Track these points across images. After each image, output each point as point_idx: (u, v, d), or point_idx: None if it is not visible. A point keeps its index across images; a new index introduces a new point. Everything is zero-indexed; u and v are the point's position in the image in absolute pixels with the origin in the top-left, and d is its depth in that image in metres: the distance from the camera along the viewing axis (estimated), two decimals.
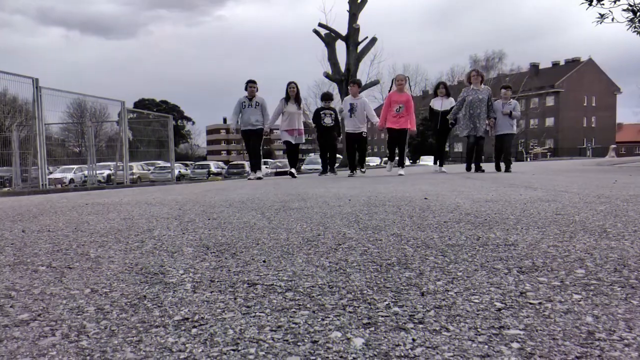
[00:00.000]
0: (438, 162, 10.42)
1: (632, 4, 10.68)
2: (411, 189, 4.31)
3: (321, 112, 9.87)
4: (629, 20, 10.98)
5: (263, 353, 0.71)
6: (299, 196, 3.79)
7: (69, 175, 16.97)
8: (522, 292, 0.98)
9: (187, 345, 0.74)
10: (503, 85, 9.63)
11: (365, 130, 9.05)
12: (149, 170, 21.10)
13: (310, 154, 41.13)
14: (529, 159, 42.53)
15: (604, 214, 2.19)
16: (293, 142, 9.21)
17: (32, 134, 9.34)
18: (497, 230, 1.79)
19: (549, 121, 61.04)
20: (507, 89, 9.36)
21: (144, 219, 2.48)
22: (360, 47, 23.72)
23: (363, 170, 9.52)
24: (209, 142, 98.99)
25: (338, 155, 12.28)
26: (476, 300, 0.93)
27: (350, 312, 0.88)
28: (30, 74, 9.49)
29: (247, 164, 10.11)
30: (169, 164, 14.60)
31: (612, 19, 11.10)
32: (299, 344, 0.74)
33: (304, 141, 9.74)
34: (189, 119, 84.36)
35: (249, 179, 9.16)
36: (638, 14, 10.71)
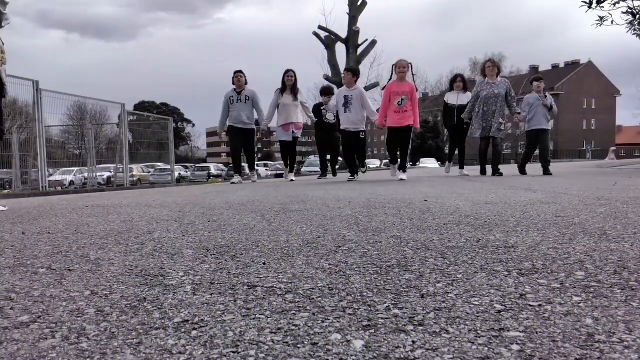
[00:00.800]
0: (446, 164, 9.32)
1: (632, 7, 10.70)
2: (411, 191, 4.31)
3: (322, 108, 8.83)
4: (628, 23, 11.00)
5: (263, 355, 0.71)
6: (299, 198, 3.79)
7: (69, 178, 16.97)
8: (522, 294, 0.98)
9: (187, 348, 0.74)
10: (534, 77, 8.32)
11: (364, 130, 7.56)
12: (149, 172, 21.10)
13: (311, 157, 40.76)
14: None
15: (604, 216, 2.19)
16: (290, 140, 8.09)
17: (33, 136, 9.35)
18: (497, 232, 1.79)
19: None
20: (540, 81, 8.07)
21: (144, 221, 2.48)
22: (360, 50, 23.75)
23: (363, 170, 8.30)
24: (209, 145, 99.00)
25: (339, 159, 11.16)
26: (476, 303, 0.93)
27: (350, 314, 0.88)
28: (31, 76, 9.50)
29: (246, 166, 9.12)
30: (169, 166, 14.61)
31: (612, 22, 11.12)
32: (299, 346, 0.74)
33: (299, 135, 8.44)
34: (189, 122, 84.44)
35: (232, 182, 7.90)
36: (638, 16, 10.73)
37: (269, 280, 1.16)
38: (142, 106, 63.66)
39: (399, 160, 7.25)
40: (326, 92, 8.97)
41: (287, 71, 7.97)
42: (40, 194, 7.91)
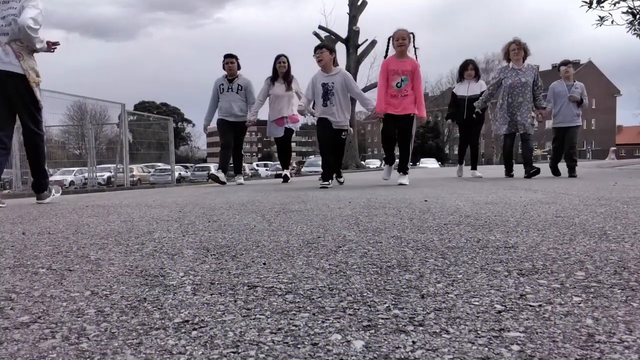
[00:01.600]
0: (457, 164, 7.94)
1: (632, 7, 10.70)
2: (411, 191, 4.31)
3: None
4: (628, 23, 11.00)
5: (263, 355, 0.71)
6: (299, 198, 3.79)
7: (69, 178, 16.96)
8: (522, 295, 0.98)
9: (187, 348, 0.74)
10: (562, 62, 7.00)
11: (349, 127, 5.88)
12: (149, 172, 21.11)
13: (311, 156, 40.42)
14: None
15: (604, 216, 2.19)
16: (282, 135, 6.84)
17: None
18: (497, 232, 1.79)
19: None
20: (569, 66, 6.89)
21: (144, 222, 2.48)
22: (360, 50, 23.76)
23: (341, 179, 6.27)
24: (209, 144, 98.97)
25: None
26: (476, 303, 0.93)
27: (350, 314, 0.88)
28: None
29: (245, 165, 7.74)
30: (169, 166, 14.60)
31: (612, 22, 11.12)
32: (299, 346, 0.74)
33: (298, 128, 7.12)
34: (189, 121, 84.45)
35: (221, 182, 6.68)
36: (638, 16, 10.73)
37: (269, 280, 1.16)
38: (142, 106, 63.66)
39: (398, 159, 5.86)
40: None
41: (279, 57, 6.70)
42: None
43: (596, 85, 63.91)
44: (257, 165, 41.47)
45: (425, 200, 3.28)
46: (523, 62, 6.52)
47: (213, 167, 36.24)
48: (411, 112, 5.40)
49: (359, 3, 23.04)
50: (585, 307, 0.89)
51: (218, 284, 1.14)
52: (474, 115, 6.99)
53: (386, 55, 5.69)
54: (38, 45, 3.95)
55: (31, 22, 3.75)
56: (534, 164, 6.59)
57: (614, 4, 10.73)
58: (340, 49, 23.82)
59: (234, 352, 0.72)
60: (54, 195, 4.53)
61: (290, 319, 0.86)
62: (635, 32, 11.03)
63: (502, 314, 0.86)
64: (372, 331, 0.79)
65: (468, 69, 7.34)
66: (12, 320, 0.91)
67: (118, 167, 12.15)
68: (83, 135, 14.23)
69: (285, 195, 4.28)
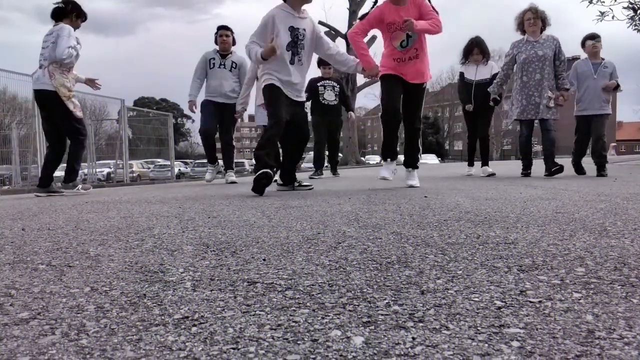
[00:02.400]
0: (467, 165, 6.97)
1: (633, 2, 10.68)
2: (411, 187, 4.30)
3: (319, 84, 6.80)
4: (629, 18, 10.98)
5: (263, 352, 0.70)
6: (299, 195, 3.79)
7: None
8: (522, 291, 0.98)
9: (187, 344, 0.74)
10: (588, 35, 5.79)
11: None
12: (149, 168, 21.09)
13: (310, 152, 40.13)
14: None
15: (604, 212, 2.19)
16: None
17: (32, 132, 9.33)
18: (497, 228, 1.79)
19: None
20: (597, 40, 5.67)
21: (144, 217, 2.48)
22: None
23: (308, 185, 4.43)
24: None
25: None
26: (476, 299, 0.93)
27: (350, 310, 0.88)
28: (29, 71, 9.47)
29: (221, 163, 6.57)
30: (169, 162, 14.59)
31: (613, 17, 11.10)
32: (298, 342, 0.74)
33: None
34: (188, 117, 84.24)
35: (207, 180, 6.42)
36: (638, 11, 10.71)
37: (269, 276, 1.16)
38: (141, 102, 63.51)
39: (408, 151, 4.26)
40: (325, 62, 6.06)
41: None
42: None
43: None
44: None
45: (425, 196, 3.28)
46: (541, 32, 5.38)
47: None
48: (425, 79, 4.08)
49: None
50: (585, 303, 0.89)
51: (218, 280, 1.14)
52: (491, 103, 5.95)
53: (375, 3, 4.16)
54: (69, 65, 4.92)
55: (64, 55, 4.73)
56: (532, 157, 5.82)
57: (615, 0, 10.70)
58: (341, 44, 23.74)
59: (233, 348, 0.72)
60: (77, 189, 5.18)
61: (290, 315, 0.86)
62: (636, 27, 11.02)
63: (502, 310, 0.86)
64: (372, 327, 0.79)
65: (474, 53, 6.31)
66: (12, 317, 0.91)
67: (118, 163, 12.14)
68: None
69: (285, 191, 4.27)
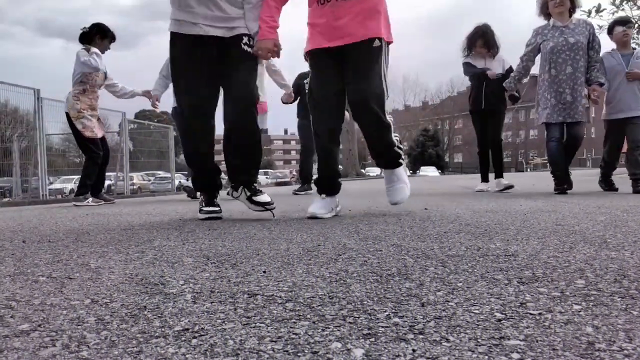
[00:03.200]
0: (480, 178, 5.66)
1: (631, 16, 10.77)
2: (411, 199, 4.31)
3: (306, 82, 5.41)
4: None
5: None
6: (299, 206, 3.79)
7: (69, 186, 16.93)
8: (522, 303, 0.98)
9: (187, 356, 0.74)
10: (617, 20, 4.92)
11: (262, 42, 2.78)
12: (149, 180, 21.07)
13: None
14: (528, 170, 42.66)
15: (604, 224, 2.19)
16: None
17: (33, 144, 9.37)
18: (498, 240, 1.80)
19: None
20: (628, 26, 4.67)
21: (145, 230, 2.48)
22: None
23: (243, 192, 2.91)
24: None
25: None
26: (476, 311, 0.93)
27: (350, 322, 0.88)
28: (31, 84, 9.56)
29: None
30: (169, 174, 14.60)
31: None
32: (299, 354, 0.74)
33: (266, 126, 5.62)
34: None
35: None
36: (636, 25, 10.80)
37: (269, 288, 1.16)
38: (142, 114, 63.49)
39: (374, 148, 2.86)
40: None
41: None
42: (41, 202, 7.91)
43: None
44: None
45: (425, 209, 3.28)
46: (570, 16, 4.39)
47: None
48: (373, 33, 2.61)
49: None
50: (585, 315, 0.89)
51: (218, 292, 1.14)
52: (508, 101, 5.15)
53: None
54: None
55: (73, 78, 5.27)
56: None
57: (613, 14, 10.80)
58: None
59: None
60: (87, 202, 5.33)
61: (291, 327, 0.86)
62: (634, 40, 11.09)
63: (502, 322, 0.86)
64: (372, 339, 0.79)
65: (478, 45, 5.26)
66: (12, 329, 0.91)
67: (118, 175, 12.15)
68: None
69: (285, 203, 4.28)
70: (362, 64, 2.64)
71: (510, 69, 5.09)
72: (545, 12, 4.52)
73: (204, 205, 3.06)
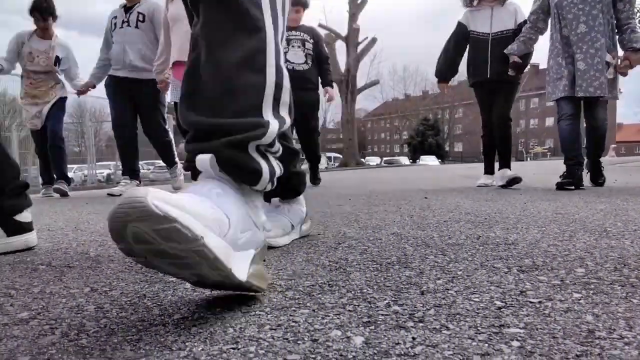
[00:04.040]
0: (483, 177, 4.42)
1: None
2: (411, 187, 4.30)
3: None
4: None
5: (263, 351, 0.70)
6: None
7: (69, 175, 16.95)
8: (522, 291, 0.98)
9: (186, 344, 0.74)
10: None
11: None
12: (149, 169, 21.08)
13: None
14: (528, 159, 42.66)
15: (604, 213, 2.19)
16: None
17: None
18: (497, 229, 1.79)
19: (549, 121, 61.05)
20: None
21: None
22: (360, 48, 23.74)
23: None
24: None
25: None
26: (476, 299, 0.93)
27: (350, 310, 0.88)
28: None
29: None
30: None
31: None
32: (299, 342, 0.74)
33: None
34: None
35: (109, 193, 4.93)
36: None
37: (269, 276, 1.16)
38: None
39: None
40: (295, 1, 4.52)
41: None
42: (39, 191, 7.89)
43: None
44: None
45: (425, 197, 3.28)
46: None
47: None
48: None
49: (358, 1, 23.01)
50: (585, 304, 0.89)
51: None
52: (509, 71, 3.81)
53: None
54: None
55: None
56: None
57: None
58: (340, 46, 23.78)
59: (233, 348, 0.72)
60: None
61: (290, 315, 0.86)
62: None
63: (502, 310, 0.86)
64: (372, 327, 0.79)
65: None
66: (12, 317, 0.91)
67: (118, 164, 12.14)
68: (82, 132, 14.20)
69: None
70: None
71: (522, 25, 3.90)
72: None
73: None
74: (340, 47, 23.32)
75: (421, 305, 0.90)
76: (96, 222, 2.37)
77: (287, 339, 0.75)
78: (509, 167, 4.13)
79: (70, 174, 5.65)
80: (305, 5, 4.72)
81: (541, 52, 4.03)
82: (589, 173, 3.87)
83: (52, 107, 4.84)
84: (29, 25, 4.75)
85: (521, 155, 46.65)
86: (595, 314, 0.83)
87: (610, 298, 0.92)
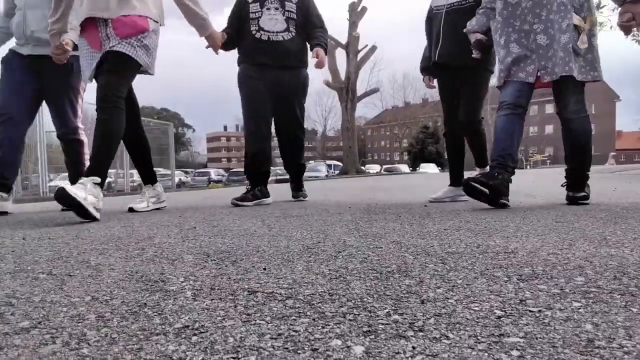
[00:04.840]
0: (449, 180, 3.77)
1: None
2: (411, 196, 4.31)
3: (251, 3, 3.36)
4: None
5: None
6: (299, 204, 3.79)
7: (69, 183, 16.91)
8: (522, 300, 0.98)
9: (187, 353, 0.74)
10: None
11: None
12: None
13: (310, 162, 39.47)
14: (528, 167, 42.68)
15: (604, 221, 2.19)
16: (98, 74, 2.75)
17: (33, 141, 9.35)
18: (497, 237, 1.80)
19: (548, 129, 61.21)
20: None
21: (145, 227, 2.48)
22: (360, 55, 23.83)
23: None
24: (210, 150, 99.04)
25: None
26: (476, 308, 0.93)
27: (350, 319, 0.88)
28: None
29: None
30: (169, 171, 14.59)
31: (611, 27, 11.15)
32: (299, 351, 0.74)
33: (129, 52, 2.80)
34: (189, 127, 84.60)
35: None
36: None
37: (269, 285, 1.16)
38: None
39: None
40: None
41: None
42: (41, 199, 7.91)
43: (595, 90, 64.10)
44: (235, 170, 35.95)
45: (425, 206, 3.29)
46: None
47: (213, 173, 35.99)
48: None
49: (358, 9, 23.14)
50: (584, 313, 0.89)
51: (218, 289, 1.14)
52: (474, 53, 3.05)
53: None
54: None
55: None
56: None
57: (613, 10, 10.77)
58: (340, 54, 23.86)
59: (234, 358, 0.72)
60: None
61: (291, 325, 0.87)
62: (634, 37, 11.07)
63: (501, 319, 0.86)
64: (372, 336, 0.79)
65: None
66: (13, 326, 0.91)
67: (118, 172, 12.15)
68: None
69: (285, 200, 4.28)
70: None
71: None
72: None
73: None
74: (340, 54, 23.44)
75: (421, 314, 0.91)
76: (96, 230, 2.38)
77: (287, 348, 0.76)
78: (484, 165, 3.57)
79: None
80: None
81: None
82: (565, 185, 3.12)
83: None
84: None
85: (521, 163, 46.76)
86: (595, 323, 0.83)
87: (609, 307, 0.92)
